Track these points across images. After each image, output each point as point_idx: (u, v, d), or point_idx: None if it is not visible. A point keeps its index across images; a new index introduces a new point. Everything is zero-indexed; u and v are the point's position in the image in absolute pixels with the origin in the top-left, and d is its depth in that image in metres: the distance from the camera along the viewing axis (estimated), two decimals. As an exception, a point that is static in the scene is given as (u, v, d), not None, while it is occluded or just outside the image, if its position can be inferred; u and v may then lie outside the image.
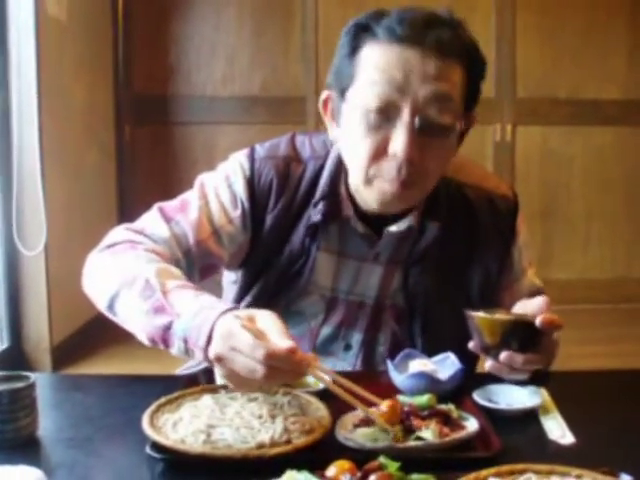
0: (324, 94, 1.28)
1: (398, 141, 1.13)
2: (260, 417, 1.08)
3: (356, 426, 1.07)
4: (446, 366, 1.29)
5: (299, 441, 1.02)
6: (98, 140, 3.85)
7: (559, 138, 4.22)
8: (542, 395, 1.26)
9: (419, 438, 1.03)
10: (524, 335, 1.11)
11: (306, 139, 1.35)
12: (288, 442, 1.02)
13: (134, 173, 4.23)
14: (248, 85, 4.17)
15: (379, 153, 1.16)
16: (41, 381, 1.34)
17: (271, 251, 1.31)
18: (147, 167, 4.23)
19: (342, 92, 1.21)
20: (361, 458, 0.97)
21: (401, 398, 1.13)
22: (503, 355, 1.10)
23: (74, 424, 1.17)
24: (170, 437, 1.03)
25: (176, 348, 1.09)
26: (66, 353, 3.27)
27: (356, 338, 1.33)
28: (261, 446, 1.01)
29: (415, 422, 1.04)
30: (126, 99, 4.18)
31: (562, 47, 4.17)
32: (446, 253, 1.17)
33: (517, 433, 1.13)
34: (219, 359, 0.99)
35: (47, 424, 1.13)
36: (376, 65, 1.15)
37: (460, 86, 1.17)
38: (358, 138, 1.17)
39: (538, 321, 1.08)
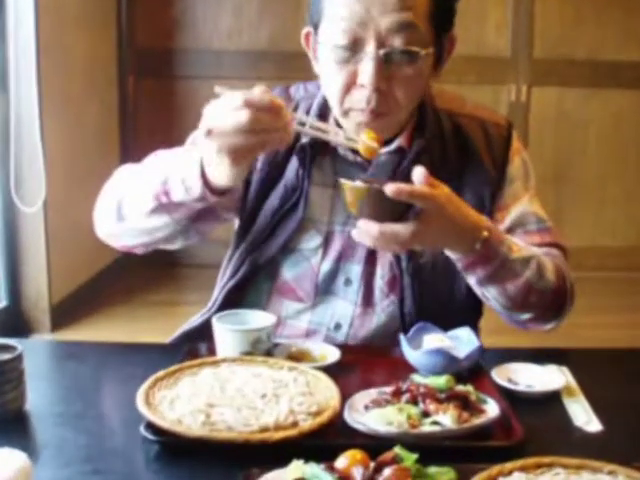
0: (305, 29, 1.30)
1: (364, 73, 1.17)
2: (264, 396, 1.00)
3: (367, 407, 0.99)
4: (463, 342, 1.21)
5: (306, 424, 0.94)
6: (100, 93, 3.73)
7: (575, 100, 4.08)
8: (565, 375, 1.18)
9: (436, 423, 0.95)
10: (377, 203, 1.03)
11: (301, 85, 1.40)
12: (294, 425, 0.95)
13: (137, 128, 4.11)
14: (256, 39, 4.02)
15: (350, 85, 1.20)
16: (31, 349, 1.26)
17: (266, 187, 1.32)
18: (150, 122, 4.11)
19: (315, 28, 1.25)
20: (373, 444, 0.90)
21: (416, 378, 1.05)
22: (359, 222, 1.06)
23: (65, 398, 1.09)
24: (167, 416, 0.95)
25: (178, 192, 1.15)
26: (65, 313, 3.20)
27: (355, 271, 1.31)
28: (264, 429, 0.93)
29: (432, 405, 0.97)
30: (129, 52, 4.04)
31: (583, 5, 4.00)
32: (438, 177, 1.12)
33: (539, 418, 1.06)
34: (209, 132, 1.02)
35: (36, 398, 1.05)
36: (339, 1, 1.18)
37: (425, 11, 1.19)
38: (330, 73, 1.22)
39: (387, 188, 1.01)
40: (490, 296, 1.22)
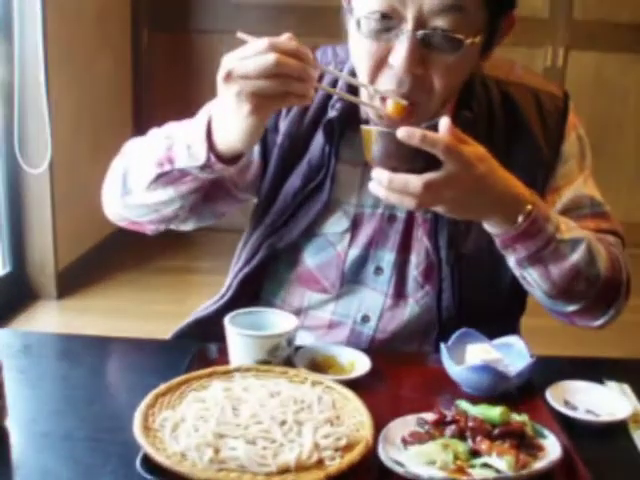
0: None
1: (398, 53, 1.01)
2: (283, 423, 0.85)
3: (406, 442, 0.84)
4: (512, 354, 1.06)
5: (333, 464, 0.79)
6: (111, 47, 3.53)
7: (615, 67, 3.83)
8: (628, 397, 1.02)
9: (486, 465, 0.80)
10: (389, 148, 0.92)
11: (329, 48, 1.26)
12: (319, 464, 0.79)
13: (151, 83, 3.92)
14: (278, -9, 3.81)
15: (380, 64, 1.04)
16: (18, 344, 1.13)
17: (287, 164, 1.19)
18: (165, 77, 3.92)
19: None
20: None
21: (462, 404, 0.90)
22: (373, 171, 0.95)
23: (52, 413, 0.95)
24: (168, 447, 0.81)
25: (181, 158, 1.05)
26: (72, 279, 3.06)
27: (387, 259, 1.18)
28: (284, 470, 0.78)
29: (483, 444, 0.81)
30: (144, 3, 3.84)
31: (628, -37, 3.74)
32: None
33: (604, 454, 0.90)
34: (228, 75, 0.92)
35: (18, 412, 0.91)
36: None
37: None
38: (360, 45, 1.06)
39: (398, 131, 0.90)
40: (531, 280, 1.07)
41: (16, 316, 2.84)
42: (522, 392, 1.00)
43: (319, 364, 1.07)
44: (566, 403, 0.99)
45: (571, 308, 1.12)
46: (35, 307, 2.94)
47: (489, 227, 1.03)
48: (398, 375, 1.06)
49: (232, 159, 1.03)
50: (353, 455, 0.80)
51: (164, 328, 1.28)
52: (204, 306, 1.30)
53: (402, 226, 1.18)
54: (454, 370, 1.01)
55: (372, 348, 1.19)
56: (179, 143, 1.05)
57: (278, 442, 0.81)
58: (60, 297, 2.98)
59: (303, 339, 1.22)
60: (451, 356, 1.03)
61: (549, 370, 1.05)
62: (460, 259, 1.16)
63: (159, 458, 0.78)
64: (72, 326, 2.79)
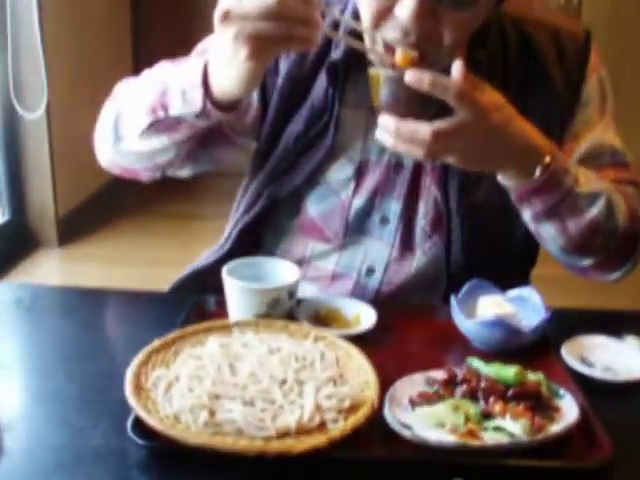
0: None
1: (405, 5, 0.92)
2: (283, 383, 0.80)
3: (413, 403, 0.79)
4: (527, 307, 1.00)
5: (336, 427, 0.74)
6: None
7: (632, 4, 3.68)
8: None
9: (499, 428, 0.75)
10: (397, 93, 0.86)
11: None
12: (321, 427, 0.75)
13: (151, 23, 3.80)
14: None
15: (384, 13, 0.96)
16: (9, 297, 1.08)
17: (288, 108, 1.13)
18: (166, 17, 3.80)
19: None
20: (421, 458, 0.71)
21: (474, 363, 0.84)
22: (380, 117, 0.89)
23: (42, 371, 0.91)
24: (161, 410, 0.76)
25: (176, 104, 0.98)
26: (74, 226, 3.01)
27: (393, 209, 1.13)
28: (283, 433, 0.73)
29: (497, 406, 0.76)
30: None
31: None
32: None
33: (624, 414, 0.85)
34: (226, 15, 0.85)
35: (7, 371, 0.87)
36: None
37: None
38: None
39: (406, 75, 0.85)
40: (547, 235, 1.02)
41: (17, 264, 2.80)
42: (536, 348, 0.94)
43: (322, 317, 1.02)
44: (583, 360, 0.94)
45: (587, 262, 1.07)
46: (36, 255, 2.90)
47: (503, 180, 0.97)
48: (405, 329, 1.01)
49: (229, 106, 0.97)
50: (357, 417, 0.75)
51: (168, 275, 1.24)
52: (203, 256, 1.25)
53: (409, 174, 1.12)
54: (465, 325, 0.96)
55: (377, 301, 1.14)
56: (173, 88, 0.98)
57: (277, 403, 0.76)
58: (61, 245, 2.94)
59: (305, 291, 1.17)
60: (462, 309, 0.98)
61: (564, 323, 0.99)
62: (470, 209, 1.10)
63: (151, 421, 0.73)
64: (74, 274, 2.75)
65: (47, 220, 2.89)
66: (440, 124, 0.86)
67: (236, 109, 0.99)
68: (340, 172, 1.13)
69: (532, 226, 1.03)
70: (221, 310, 1.00)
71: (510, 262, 1.16)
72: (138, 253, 2.95)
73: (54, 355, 0.95)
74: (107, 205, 3.26)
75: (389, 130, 0.88)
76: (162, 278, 1.26)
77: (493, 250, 1.13)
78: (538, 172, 0.94)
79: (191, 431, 0.73)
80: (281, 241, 1.20)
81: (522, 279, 1.21)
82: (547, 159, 0.94)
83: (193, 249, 1.31)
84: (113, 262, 2.84)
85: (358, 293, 1.15)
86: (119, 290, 1.21)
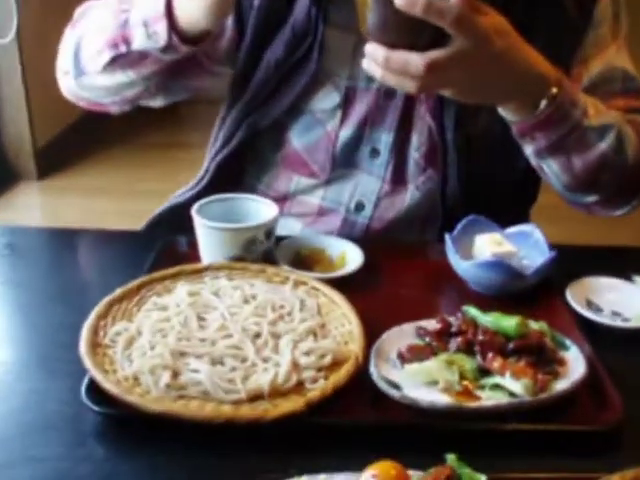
0: None
1: None
2: (257, 336, 0.72)
3: (403, 358, 0.71)
4: (528, 246, 0.91)
5: (314, 388, 0.66)
6: None
7: None
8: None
9: (498, 386, 0.67)
10: (387, 18, 0.75)
11: None
12: (298, 387, 0.67)
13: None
14: None
15: None
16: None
17: (267, 31, 1.03)
18: None
19: None
20: (411, 422, 0.63)
21: (471, 311, 0.76)
22: (367, 45, 0.79)
23: None
24: (119, 370, 0.68)
25: (138, 38, 0.91)
26: (52, 158, 2.88)
27: (384, 140, 1.04)
28: (255, 397, 0.65)
29: (496, 362, 0.68)
30: None
31: None
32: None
33: (634, 365, 0.77)
34: None
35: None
36: None
37: None
38: None
39: None
40: (550, 172, 0.94)
41: (-4, 198, 2.70)
42: (538, 291, 0.86)
43: (304, 259, 0.93)
44: (589, 304, 0.85)
45: (592, 199, 0.99)
46: (15, 189, 2.79)
47: (504, 113, 0.88)
48: (395, 271, 0.92)
49: (198, 38, 0.88)
50: (339, 376, 0.67)
51: (151, 208, 1.15)
52: (180, 192, 1.16)
53: (401, 102, 1.02)
54: (461, 266, 0.87)
55: (366, 239, 1.05)
56: (135, 19, 0.90)
57: (250, 361, 0.68)
58: (41, 177, 2.82)
59: (290, 227, 1.09)
60: (457, 249, 0.89)
61: (566, 263, 0.90)
62: (468, 141, 1.00)
63: (106, 384, 0.65)
64: (54, 208, 2.65)
65: (25, 152, 2.77)
66: (435, 53, 0.75)
67: (206, 41, 0.90)
68: (325, 100, 1.04)
69: (534, 161, 0.95)
70: (194, 252, 0.91)
71: (510, 197, 1.08)
72: (121, 185, 2.84)
73: (12, 304, 0.87)
74: (88, 135, 3.12)
75: (377, 60, 0.78)
76: (147, 211, 1.17)
77: (492, 184, 1.05)
78: (543, 104, 0.85)
79: (150, 397, 0.64)
80: (264, 174, 1.11)
81: (522, 216, 1.13)
82: (554, 90, 0.84)
83: (178, 180, 1.22)
84: (95, 195, 2.73)
85: (346, 230, 1.07)
86: (88, 229, 1.12)
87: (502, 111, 0.88)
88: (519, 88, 0.84)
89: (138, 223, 1.14)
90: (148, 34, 0.89)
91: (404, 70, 0.76)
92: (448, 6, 0.73)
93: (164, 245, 0.94)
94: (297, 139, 1.06)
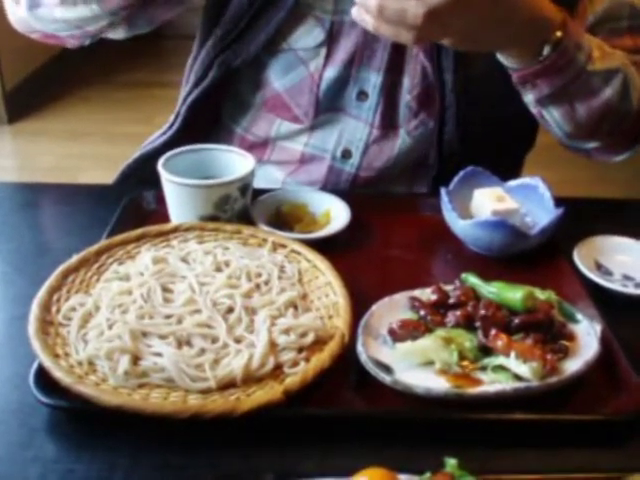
0: None
1: None
2: (230, 311, 0.63)
3: (394, 335, 0.63)
4: (532, 201, 0.83)
5: (294, 373, 0.58)
6: None
7: None
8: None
9: (501, 368, 0.59)
10: None
11: None
12: (276, 371, 0.59)
13: None
14: None
15: None
16: None
17: None
18: None
19: None
20: (404, 412, 0.56)
21: (470, 279, 0.68)
22: None
23: None
24: (73, 354, 0.59)
25: None
26: (23, 100, 2.73)
27: (373, 82, 0.96)
28: (226, 385, 0.57)
29: (499, 340, 0.60)
30: None
31: None
32: None
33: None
34: None
35: None
36: None
37: None
38: None
39: None
40: (551, 119, 0.86)
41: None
42: (542, 251, 0.78)
43: (285, 216, 0.84)
44: (598, 266, 0.78)
45: (592, 145, 0.92)
46: (-15, 133, 2.66)
47: (504, 60, 0.80)
48: (385, 229, 0.84)
49: None
50: (322, 359, 0.59)
51: (129, 152, 1.05)
52: (151, 138, 1.06)
53: (391, 40, 0.91)
54: (458, 225, 0.79)
55: (354, 189, 0.97)
56: None
57: (221, 341, 0.60)
58: (11, 121, 2.68)
59: (270, 176, 1.00)
60: (454, 205, 0.80)
61: (574, 219, 0.81)
62: (467, 83, 0.91)
63: (56, 373, 0.57)
64: (26, 153, 2.53)
65: (-7, 94, 2.63)
66: (434, 1, 0.67)
67: None
68: (307, 37, 0.94)
69: (534, 109, 0.86)
70: (164, 209, 0.82)
71: (509, 142, 1.00)
72: (98, 127, 2.71)
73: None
74: (60, 75, 2.97)
75: (369, 9, 0.69)
76: (126, 155, 1.07)
77: (491, 129, 0.96)
78: (547, 50, 0.77)
79: (108, 384, 0.56)
80: (242, 117, 1.02)
81: (518, 162, 1.05)
82: (558, 34, 0.76)
83: (158, 121, 1.12)
84: (70, 139, 2.60)
85: (332, 180, 0.98)
86: (48, 184, 1.02)
87: (502, 58, 0.80)
88: (522, 33, 0.76)
89: (116, 170, 1.05)
90: None
91: (401, 20, 0.68)
92: None
93: (128, 202, 0.85)
94: (277, 80, 0.97)
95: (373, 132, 0.97)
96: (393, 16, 0.69)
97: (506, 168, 0.90)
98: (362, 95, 0.95)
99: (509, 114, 0.96)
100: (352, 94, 0.96)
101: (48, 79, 2.91)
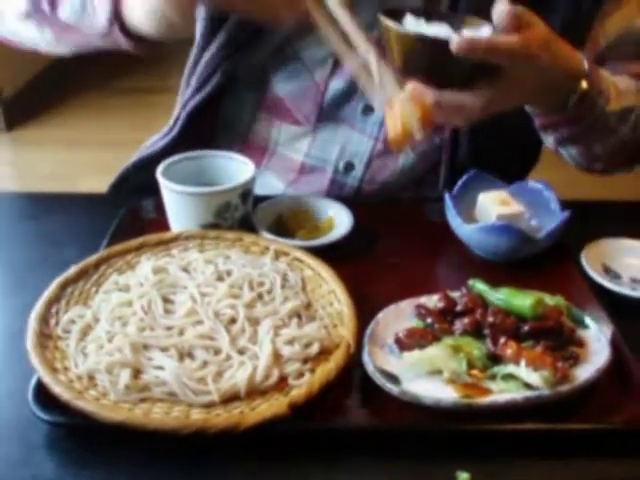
0: None
1: None
2: (232, 322, 0.62)
3: (401, 344, 0.61)
4: (537, 205, 0.82)
5: (299, 385, 0.57)
6: None
7: None
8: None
9: (511, 376, 0.58)
10: (434, 60, 0.67)
11: None
12: (281, 384, 0.57)
13: None
14: None
15: None
16: None
17: None
18: None
19: None
20: (411, 424, 0.54)
21: (477, 286, 0.66)
22: (408, 84, 0.70)
23: None
24: (72, 368, 0.58)
25: (70, 6, 0.80)
26: (21, 107, 2.72)
27: (379, 97, 0.87)
28: (230, 398, 0.56)
29: (508, 348, 0.58)
30: None
31: None
32: None
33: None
34: None
35: None
36: None
37: None
38: None
39: (452, 42, 0.64)
40: (567, 155, 0.88)
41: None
42: (549, 255, 0.77)
43: (287, 223, 0.83)
44: (606, 270, 0.76)
45: (599, 168, 0.92)
46: (-16, 141, 2.64)
47: (527, 108, 0.80)
48: (389, 234, 0.82)
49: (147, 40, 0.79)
50: (328, 370, 0.58)
51: (127, 159, 1.04)
52: (150, 142, 1.04)
53: None
54: (463, 230, 0.77)
55: (356, 200, 0.95)
56: None
57: (224, 353, 0.59)
58: (10, 129, 2.67)
59: (270, 186, 0.98)
60: (458, 209, 0.79)
61: (581, 222, 0.80)
62: None
63: (55, 388, 0.55)
64: (25, 161, 2.52)
65: (-8, 102, 2.62)
66: (491, 94, 0.68)
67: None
68: (316, 47, 0.91)
69: (551, 146, 0.87)
70: (163, 217, 0.80)
71: (514, 158, 0.98)
72: (96, 134, 2.70)
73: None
74: (58, 83, 2.96)
75: (425, 101, 0.68)
76: (121, 162, 1.06)
77: (500, 150, 0.94)
78: (573, 101, 0.76)
79: (108, 399, 0.55)
80: (242, 121, 1.00)
81: (523, 174, 1.04)
82: (584, 85, 0.75)
83: (156, 128, 1.10)
84: (68, 146, 2.59)
85: (334, 192, 0.97)
86: (44, 193, 1.00)
87: (528, 108, 0.80)
88: (552, 91, 0.76)
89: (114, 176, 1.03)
90: (82, 6, 0.77)
91: (458, 112, 0.69)
92: (509, 43, 0.65)
93: (127, 211, 0.84)
94: (281, 85, 0.95)
95: (378, 146, 0.95)
96: (451, 110, 0.69)
97: (513, 175, 0.89)
98: (368, 109, 0.94)
99: (520, 133, 0.95)
100: (357, 107, 0.94)
101: (46, 86, 2.90)
